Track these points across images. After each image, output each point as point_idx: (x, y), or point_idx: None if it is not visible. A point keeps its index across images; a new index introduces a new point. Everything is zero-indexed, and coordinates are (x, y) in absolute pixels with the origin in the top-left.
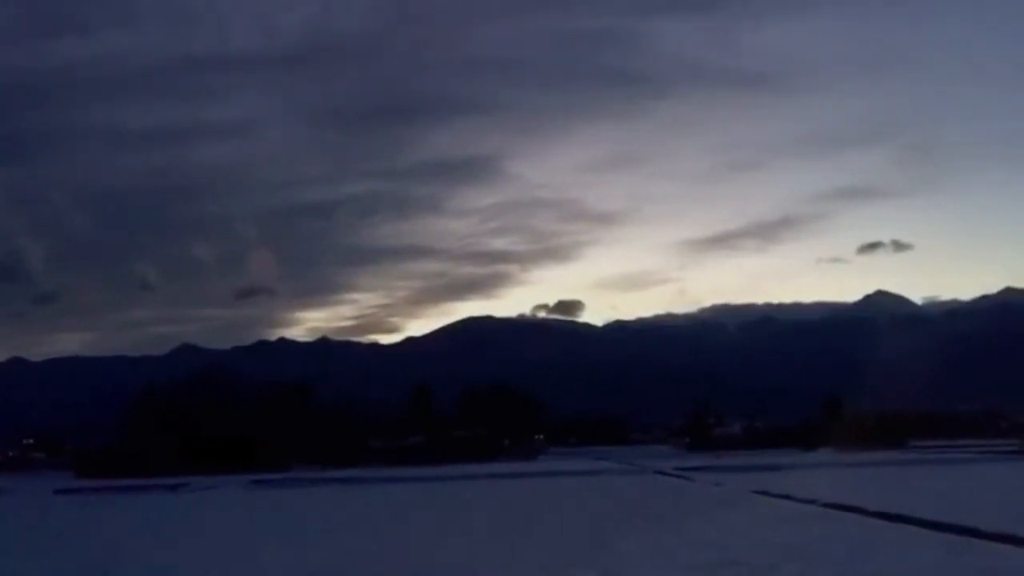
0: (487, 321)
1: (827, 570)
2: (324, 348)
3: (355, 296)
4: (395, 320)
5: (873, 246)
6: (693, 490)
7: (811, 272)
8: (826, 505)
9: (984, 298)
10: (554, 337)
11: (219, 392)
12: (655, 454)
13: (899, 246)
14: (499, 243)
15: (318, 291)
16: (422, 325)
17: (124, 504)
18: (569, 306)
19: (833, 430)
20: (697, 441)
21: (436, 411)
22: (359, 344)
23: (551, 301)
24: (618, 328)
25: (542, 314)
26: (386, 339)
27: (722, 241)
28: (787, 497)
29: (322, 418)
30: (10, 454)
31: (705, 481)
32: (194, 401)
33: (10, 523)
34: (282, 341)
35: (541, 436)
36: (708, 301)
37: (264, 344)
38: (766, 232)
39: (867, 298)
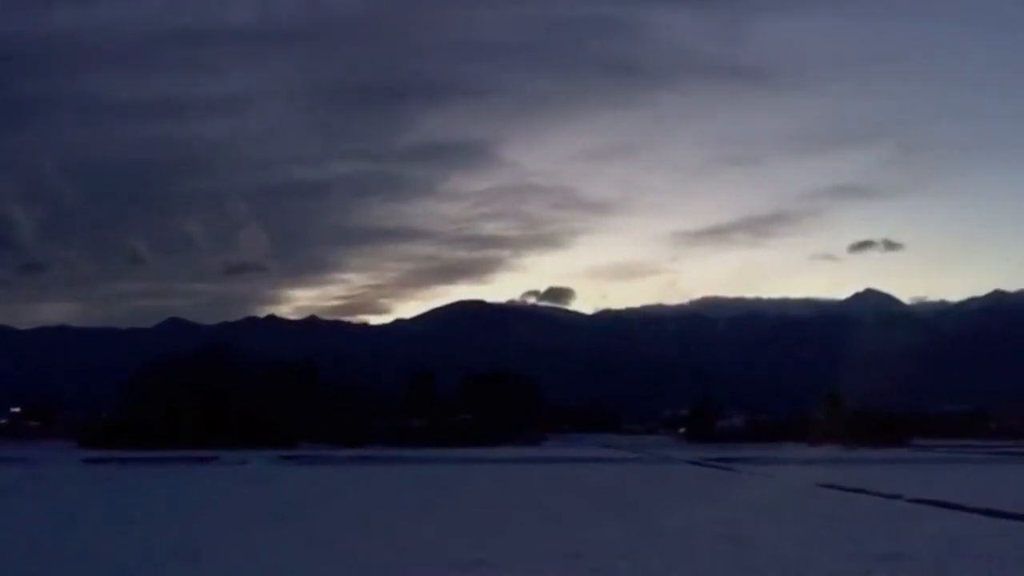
0: (477, 306)
1: (1016, 570)
2: (313, 327)
3: (345, 276)
4: (385, 302)
5: (864, 245)
6: (754, 482)
7: (802, 268)
8: (914, 501)
9: (972, 300)
10: (543, 323)
11: (226, 367)
12: (657, 444)
13: (890, 245)
14: (491, 228)
15: (308, 270)
16: (412, 307)
17: (172, 476)
18: (559, 293)
19: (833, 426)
20: (697, 433)
21: (435, 395)
22: (348, 324)
23: (542, 288)
24: (607, 317)
25: (532, 300)
26: (375, 320)
27: (714, 234)
28: (862, 491)
29: (328, 397)
30: (1, 422)
31: (752, 473)
32: (203, 376)
33: (78, 495)
34: (271, 319)
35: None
36: (698, 293)
37: (253, 321)
38: (758, 227)
39: (856, 296)
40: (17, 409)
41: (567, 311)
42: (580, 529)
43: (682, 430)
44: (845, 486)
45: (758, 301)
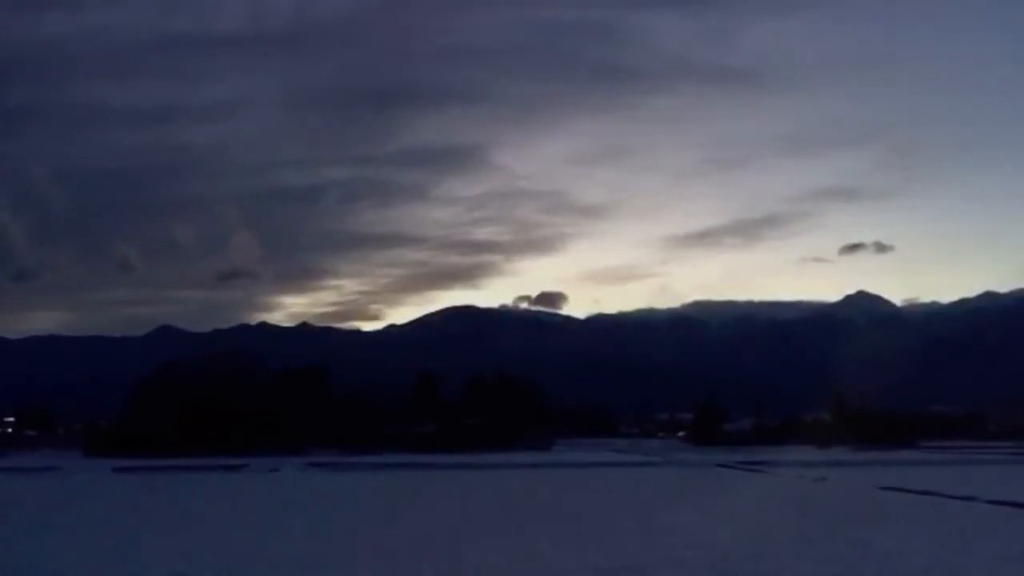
0: (470, 311)
1: None
2: (305, 333)
3: (337, 282)
4: (377, 307)
5: (855, 247)
6: (810, 486)
7: (793, 271)
8: (993, 502)
9: (963, 301)
10: (536, 328)
11: (235, 374)
12: (663, 448)
13: (881, 247)
14: (483, 233)
15: (300, 276)
16: (404, 313)
17: (222, 485)
18: (552, 298)
19: (839, 427)
20: (701, 436)
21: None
22: (340, 330)
23: (534, 292)
24: (600, 321)
25: (524, 305)
26: (368, 326)
27: (705, 237)
28: (931, 494)
29: (338, 403)
30: None
31: (795, 476)
32: (211, 382)
33: (148, 507)
34: (263, 325)
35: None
36: (690, 297)
37: (245, 328)
38: (750, 230)
39: (848, 298)
40: (11, 419)
41: (559, 315)
42: (693, 534)
43: (681, 433)
44: (910, 488)
45: (750, 304)
